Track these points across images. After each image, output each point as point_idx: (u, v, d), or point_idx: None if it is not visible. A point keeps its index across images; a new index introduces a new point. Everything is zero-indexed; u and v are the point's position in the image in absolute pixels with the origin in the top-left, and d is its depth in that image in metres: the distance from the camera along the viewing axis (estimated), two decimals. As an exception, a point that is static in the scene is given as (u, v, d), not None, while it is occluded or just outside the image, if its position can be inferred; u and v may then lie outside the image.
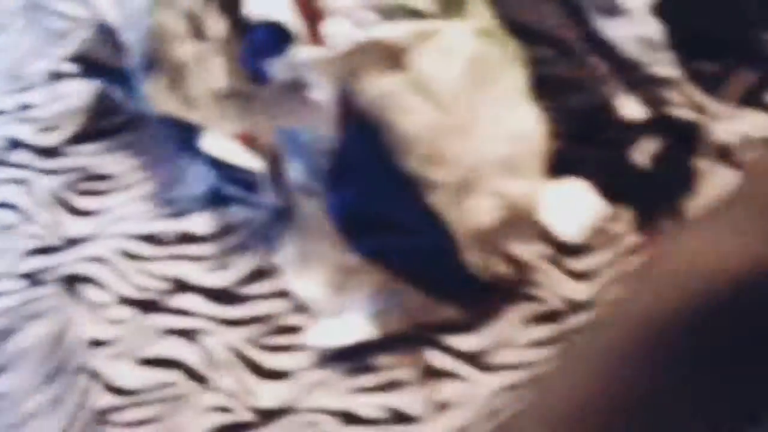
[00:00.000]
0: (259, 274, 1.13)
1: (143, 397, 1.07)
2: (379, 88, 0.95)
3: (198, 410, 1.05)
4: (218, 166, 1.16)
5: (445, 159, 0.98)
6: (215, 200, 1.19)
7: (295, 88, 0.95)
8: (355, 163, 0.96)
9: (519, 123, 1.02)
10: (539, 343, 1.03)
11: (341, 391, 1.04)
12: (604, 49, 1.10)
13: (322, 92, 0.93)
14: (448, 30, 0.98)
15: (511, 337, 1.04)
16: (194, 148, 1.14)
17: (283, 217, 1.08)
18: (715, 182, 1.03)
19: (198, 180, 1.20)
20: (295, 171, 1.00)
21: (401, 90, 0.95)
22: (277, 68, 0.95)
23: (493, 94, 1.01)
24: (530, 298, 1.06)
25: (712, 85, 1.07)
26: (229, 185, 1.17)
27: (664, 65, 1.08)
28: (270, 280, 1.12)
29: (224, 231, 1.16)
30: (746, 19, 1.10)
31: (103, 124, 1.30)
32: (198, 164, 1.20)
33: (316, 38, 0.99)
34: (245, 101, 1.03)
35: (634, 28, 1.09)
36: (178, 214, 1.19)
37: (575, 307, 1.04)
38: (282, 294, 1.10)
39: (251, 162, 1.08)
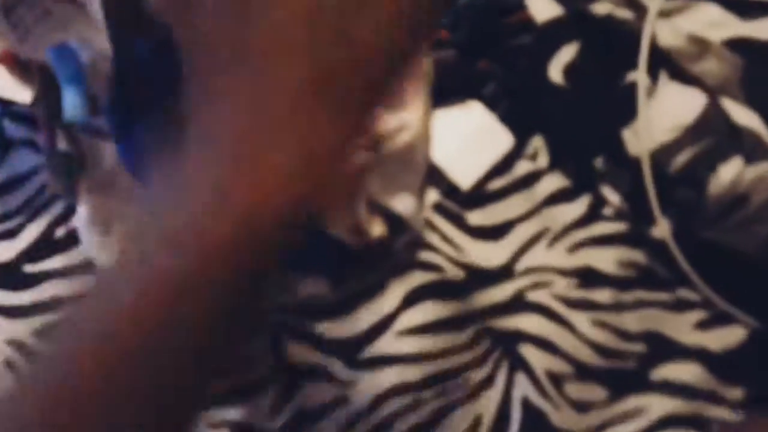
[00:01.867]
0: (50, 244, 0.88)
1: None
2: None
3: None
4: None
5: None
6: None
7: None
8: (151, 92, 0.70)
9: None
10: (435, 327, 0.83)
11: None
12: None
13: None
14: None
15: (395, 320, 0.84)
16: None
17: (77, 166, 0.82)
18: (658, 102, 0.82)
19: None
20: (70, 104, 0.73)
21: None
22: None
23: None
24: (420, 266, 0.86)
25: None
26: (14, 122, 0.92)
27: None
28: (64, 252, 0.88)
29: (9, 185, 0.91)
30: None
31: None
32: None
33: None
34: (5, 9, 0.77)
35: None
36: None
37: (483, 275, 0.84)
38: (80, 269, 0.87)
39: (17, 91, 0.82)
